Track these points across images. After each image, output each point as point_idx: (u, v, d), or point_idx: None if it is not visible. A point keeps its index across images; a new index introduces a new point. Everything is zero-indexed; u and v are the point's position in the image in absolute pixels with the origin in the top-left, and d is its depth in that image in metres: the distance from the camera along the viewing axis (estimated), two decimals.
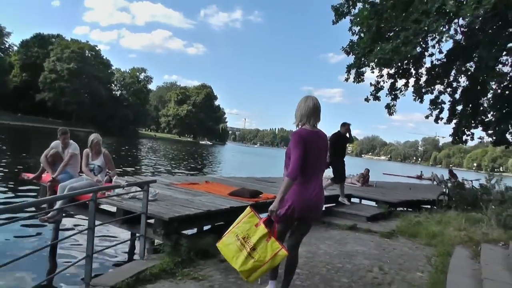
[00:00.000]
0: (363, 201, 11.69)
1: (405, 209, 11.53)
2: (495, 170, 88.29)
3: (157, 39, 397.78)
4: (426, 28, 11.06)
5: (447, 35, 12.62)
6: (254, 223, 3.30)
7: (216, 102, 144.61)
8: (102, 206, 6.13)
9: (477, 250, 6.76)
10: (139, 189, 5.49)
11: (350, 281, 5.05)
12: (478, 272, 5.68)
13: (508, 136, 14.58)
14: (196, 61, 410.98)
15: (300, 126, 3.56)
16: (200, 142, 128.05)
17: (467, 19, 11.45)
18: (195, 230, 7.01)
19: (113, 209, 6.04)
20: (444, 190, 11.99)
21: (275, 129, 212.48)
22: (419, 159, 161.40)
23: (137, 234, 5.26)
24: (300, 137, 3.42)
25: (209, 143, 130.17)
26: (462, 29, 14.26)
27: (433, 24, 10.71)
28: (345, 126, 9.80)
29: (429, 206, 12.36)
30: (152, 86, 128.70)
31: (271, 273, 3.65)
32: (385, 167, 70.87)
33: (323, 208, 4.30)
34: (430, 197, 12.38)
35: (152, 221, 5.40)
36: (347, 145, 10.47)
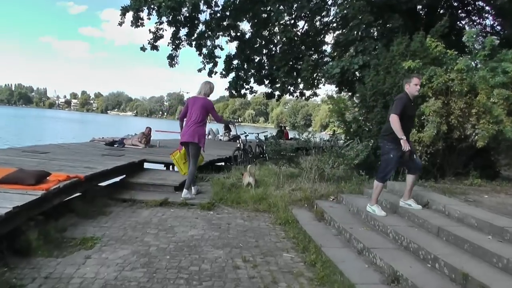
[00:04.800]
0: (156, 166, 9.93)
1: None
2: (236, 120, 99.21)
3: None
4: None
5: None
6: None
7: None
8: None
9: (320, 211, 6.14)
10: None
11: None
12: (345, 238, 4.96)
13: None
14: None
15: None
16: None
17: None
18: None
19: None
20: (239, 145, 11.43)
21: (11, 84, 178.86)
22: (165, 114, 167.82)
23: None
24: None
25: None
26: None
27: None
28: None
29: (222, 164, 11.60)
30: None
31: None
32: (133, 123, 69.67)
33: None
34: (226, 154, 11.62)
35: None
36: None
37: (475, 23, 14.58)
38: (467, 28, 14.16)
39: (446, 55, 7.18)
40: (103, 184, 7.29)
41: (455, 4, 14.25)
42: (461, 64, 6.40)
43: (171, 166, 10.19)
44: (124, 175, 7.75)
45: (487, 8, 14.01)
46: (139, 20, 13.85)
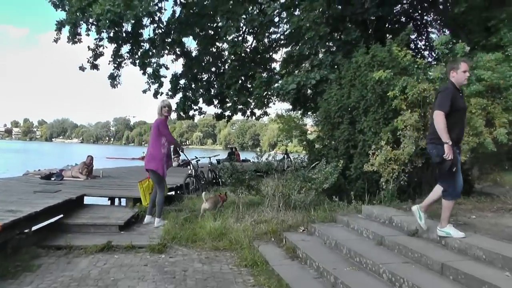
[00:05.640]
0: (100, 201, 8.66)
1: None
2: (183, 143, 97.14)
3: None
4: None
5: None
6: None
7: None
8: None
9: (291, 246, 5.24)
10: None
11: None
12: (329, 282, 4.07)
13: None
14: None
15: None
16: None
17: None
18: None
19: None
20: (190, 171, 10.35)
21: None
22: (112, 139, 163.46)
23: None
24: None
25: None
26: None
27: None
28: None
29: (173, 193, 10.44)
30: None
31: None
32: (80, 150, 66.14)
33: None
34: (176, 181, 10.47)
35: None
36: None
37: (422, 37, 14.70)
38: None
39: (415, 64, 6.65)
40: (34, 228, 5.96)
41: (403, 19, 14.25)
42: (437, 72, 5.86)
43: (116, 200, 8.90)
44: (62, 215, 6.50)
45: (434, 23, 14.18)
46: (76, 36, 12.52)
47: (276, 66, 18.02)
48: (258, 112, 18.32)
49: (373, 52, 7.05)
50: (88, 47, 13.80)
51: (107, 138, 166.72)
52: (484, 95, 6.00)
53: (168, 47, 14.82)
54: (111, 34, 13.43)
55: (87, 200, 7.92)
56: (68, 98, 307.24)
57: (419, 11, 13.65)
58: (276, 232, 5.87)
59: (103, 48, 13.99)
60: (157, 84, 16.35)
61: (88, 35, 13.12)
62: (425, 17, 13.92)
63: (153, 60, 15.18)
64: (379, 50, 6.98)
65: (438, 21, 13.40)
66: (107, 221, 6.40)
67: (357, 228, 5.31)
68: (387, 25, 13.11)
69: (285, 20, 15.10)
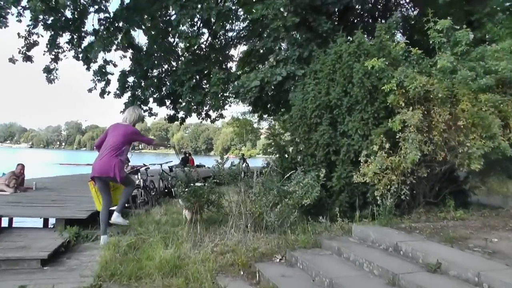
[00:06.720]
0: (24, 222, 6.97)
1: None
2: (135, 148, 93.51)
3: None
4: None
5: None
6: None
7: None
8: None
9: (268, 285, 3.93)
10: None
11: None
12: None
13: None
14: None
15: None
16: None
17: None
18: None
19: None
20: (138, 181, 8.77)
21: None
22: (63, 144, 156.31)
23: None
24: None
25: None
26: None
27: None
28: None
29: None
30: None
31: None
32: (29, 155, 61.57)
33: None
34: None
35: None
36: None
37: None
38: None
39: (409, 54, 5.59)
40: None
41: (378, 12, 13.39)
42: (444, 61, 4.77)
43: (50, 221, 7.12)
44: None
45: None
46: (2, 19, 10.57)
47: (233, 66, 16.86)
48: (213, 114, 16.98)
49: (359, 39, 5.91)
50: (18, 34, 11.86)
51: (58, 143, 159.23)
52: (494, 90, 5.02)
53: (114, 39, 13.10)
54: (49, 21, 11.62)
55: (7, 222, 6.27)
56: (15, 100, 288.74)
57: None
58: (246, 263, 4.53)
59: (38, 37, 12.11)
60: (103, 82, 14.74)
61: (20, 21, 11.28)
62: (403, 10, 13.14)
63: (99, 55, 13.47)
64: (374, 38, 5.88)
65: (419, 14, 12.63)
66: (25, 254, 4.77)
67: (353, 258, 4.09)
68: (358, 19, 12.24)
69: (243, 16, 13.96)
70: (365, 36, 7.64)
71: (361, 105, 5.56)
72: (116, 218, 5.62)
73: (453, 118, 4.82)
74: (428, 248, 3.83)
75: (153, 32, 13.39)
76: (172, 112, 15.26)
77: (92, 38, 13.08)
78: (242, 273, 4.43)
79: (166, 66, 14.82)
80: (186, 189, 5.97)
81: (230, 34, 16.58)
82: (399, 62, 5.62)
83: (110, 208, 5.69)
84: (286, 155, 6.78)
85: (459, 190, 6.02)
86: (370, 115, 5.46)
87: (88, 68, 13.74)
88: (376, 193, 5.00)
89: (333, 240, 4.69)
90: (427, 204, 5.66)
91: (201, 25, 13.68)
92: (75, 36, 12.86)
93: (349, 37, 7.42)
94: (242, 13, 13.71)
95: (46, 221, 7.13)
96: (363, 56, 5.72)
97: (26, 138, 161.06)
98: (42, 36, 12.42)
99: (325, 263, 4.14)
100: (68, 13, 12.28)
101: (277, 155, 6.89)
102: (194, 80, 11.93)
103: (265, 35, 10.04)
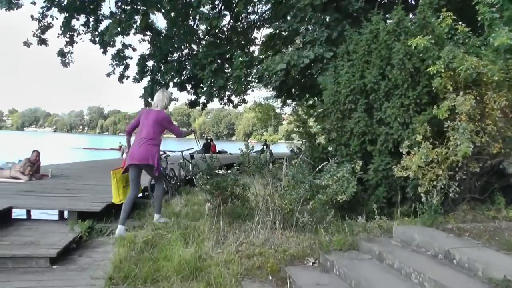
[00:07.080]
0: (40, 214, 6.69)
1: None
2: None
3: None
4: None
5: None
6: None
7: None
8: None
9: None
10: None
11: None
12: None
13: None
14: None
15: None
16: None
17: None
18: None
19: None
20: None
21: None
22: (86, 128, 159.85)
23: None
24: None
25: None
26: None
27: None
28: None
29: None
30: None
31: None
32: (53, 139, 62.51)
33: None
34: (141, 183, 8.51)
35: None
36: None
37: None
38: None
39: (455, 32, 4.96)
40: None
41: None
42: (503, 37, 4.13)
43: (65, 213, 6.73)
44: None
45: None
46: (15, 0, 10.31)
47: (256, 50, 16.30)
48: (235, 99, 16.54)
49: (399, 16, 5.29)
50: (32, 16, 11.59)
51: (81, 127, 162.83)
52: None
53: (132, 22, 12.74)
54: (64, 3, 11.30)
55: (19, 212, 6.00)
56: (40, 86, 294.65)
57: None
58: (275, 267, 4.11)
59: (53, 19, 11.83)
60: (122, 66, 14.49)
61: (34, 3, 10.99)
62: None
63: (117, 38, 13.13)
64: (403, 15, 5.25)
65: None
66: (33, 251, 4.44)
67: (398, 266, 3.60)
68: None
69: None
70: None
71: (401, 89, 4.98)
72: (159, 219, 5.65)
73: (510, 104, 4.21)
74: (487, 258, 3.30)
75: (172, 14, 12.95)
76: (193, 97, 14.92)
77: (109, 21, 12.80)
78: (270, 278, 4.01)
79: (186, 50, 14.41)
80: (208, 182, 5.56)
81: (252, 17, 16.05)
82: (443, 41, 5.00)
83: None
84: (317, 145, 6.27)
85: (507, 185, 5.41)
86: (411, 101, 4.88)
87: (104, 52, 13.47)
88: (420, 189, 4.46)
89: (373, 243, 4.21)
90: (472, 200, 5.10)
91: (222, 7, 13.15)
92: (91, 19, 12.54)
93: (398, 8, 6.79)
94: None
95: (61, 212, 6.83)
96: (403, 34, 5.12)
97: (50, 123, 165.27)
98: (57, 18, 12.17)
99: (366, 270, 3.67)
100: None
101: (307, 144, 6.38)
102: (215, 64, 11.45)
103: (289, 17, 9.43)
